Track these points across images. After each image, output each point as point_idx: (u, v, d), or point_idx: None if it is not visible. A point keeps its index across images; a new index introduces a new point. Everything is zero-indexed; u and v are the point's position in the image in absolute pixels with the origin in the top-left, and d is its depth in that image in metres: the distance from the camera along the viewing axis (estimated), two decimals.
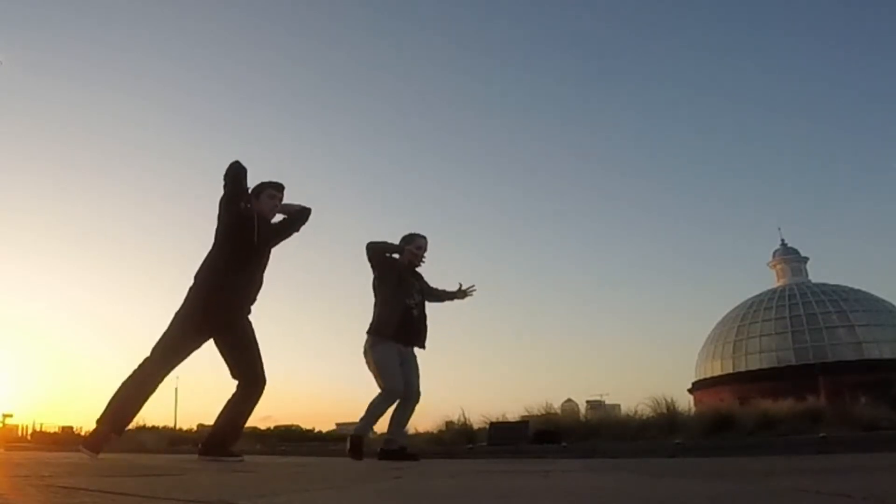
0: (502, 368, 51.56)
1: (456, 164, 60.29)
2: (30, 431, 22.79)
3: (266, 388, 3.76)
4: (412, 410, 4.53)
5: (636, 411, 11.77)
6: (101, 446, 3.47)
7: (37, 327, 47.80)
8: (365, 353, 4.44)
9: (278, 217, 4.00)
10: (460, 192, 60.72)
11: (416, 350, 4.54)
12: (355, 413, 4.37)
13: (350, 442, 4.37)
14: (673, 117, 56.02)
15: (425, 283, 4.69)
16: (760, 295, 28.99)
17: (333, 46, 57.31)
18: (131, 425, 3.77)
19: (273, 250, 3.94)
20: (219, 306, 3.63)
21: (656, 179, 57.59)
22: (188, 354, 3.63)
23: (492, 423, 11.14)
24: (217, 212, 3.83)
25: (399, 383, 4.32)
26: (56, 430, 23.42)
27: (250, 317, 3.83)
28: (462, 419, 12.25)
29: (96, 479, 1.94)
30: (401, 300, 4.43)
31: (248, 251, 3.74)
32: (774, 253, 30.22)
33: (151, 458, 4.60)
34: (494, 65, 59.71)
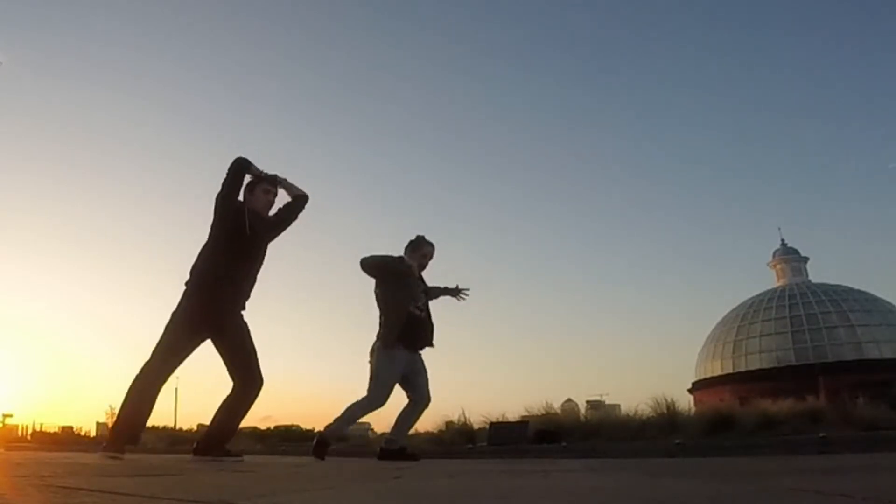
0: (502, 368, 51.61)
1: (456, 164, 60.36)
2: (30, 431, 22.81)
3: (264, 388, 3.76)
4: (420, 414, 4.51)
5: (636, 411, 11.78)
6: (123, 445, 3.50)
7: (37, 327, 47.94)
8: (371, 352, 4.42)
9: (274, 209, 3.99)
10: (460, 191, 60.77)
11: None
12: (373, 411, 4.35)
13: (317, 440, 4.30)
14: (673, 117, 56.07)
15: (425, 284, 4.68)
16: (760, 295, 28.99)
17: (333, 46, 57.35)
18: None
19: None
20: (214, 303, 3.63)
21: (656, 179, 57.62)
22: (187, 355, 3.63)
23: (492, 423, 11.15)
24: (213, 206, 3.83)
25: (384, 398, 4.28)
26: (56, 430, 23.47)
27: (245, 316, 3.83)
28: (462, 419, 12.27)
29: (96, 479, 1.94)
30: (406, 306, 4.37)
31: (242, 246, 3.75)
32: (774, 253, 30.23)
33: (151, 458, 4.60)
34: (495, 65, 59.75)
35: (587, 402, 23.50)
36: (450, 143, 60.56)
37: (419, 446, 7.68)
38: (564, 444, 8.59)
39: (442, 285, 4.73)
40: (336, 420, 4.29)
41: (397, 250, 4.60)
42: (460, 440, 10.99)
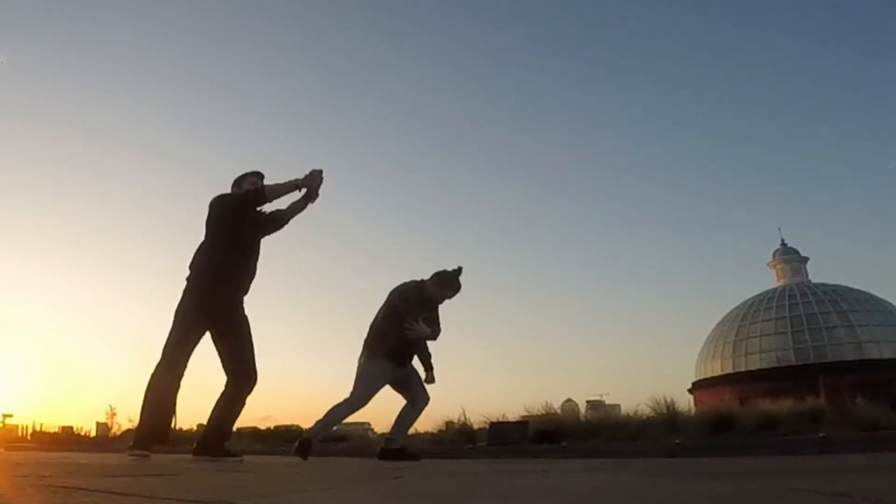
0: (502, 368, 51.56)
1: (456, 164, 60.37)
2: (30, 431, 22.78)
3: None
4: (419, 413, 4.51)
5: (636, 411, 11.77)
6: (150, 445, 3.57)
7: (37, 327, 47.84)
8: (360, 358, 4.42)
9: (271, 206, 4.00)
10: (460, 191, 60.80)
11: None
12: (355, 413, 4.34)
13: (299, 441, 4.22)
14: (673, 117, 56.11)
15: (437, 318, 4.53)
16: (760, 295, 29.00)
17: (333, 46, 57.37)
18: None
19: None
20: (215, 297, 3.67)
21: (656, 179, 57.65)
22: (193, 348, 3.67)
23: (492, 423, 11.14)
24: (209, 207, 3.84)
25: (365, 400, 4.25)
26: (56, 430, 23.43)
27: (245, 310, 3.87)
28: (462, 419, 12.26)
29: (96, 479, 1.94)
30: (404, 336, 4.30)
31: (240, 239, 3.78)
32: (774, 253, 30.24)
33: (151, 458, 4.59)
34: (495, 65, 59.79)
35: (587, 402, 23.53)
36: (450, 143, 60.64)
37: (419, 446, 7.67)
38: (564, 444, 8.58)
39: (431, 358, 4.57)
40: (318, 422, 4.26)
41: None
42: (460, 440, 10.99)
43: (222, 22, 54.91)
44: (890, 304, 26.66)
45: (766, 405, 11.74)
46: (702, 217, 56.03)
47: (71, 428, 24.20)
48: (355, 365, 4.41)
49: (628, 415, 12.32)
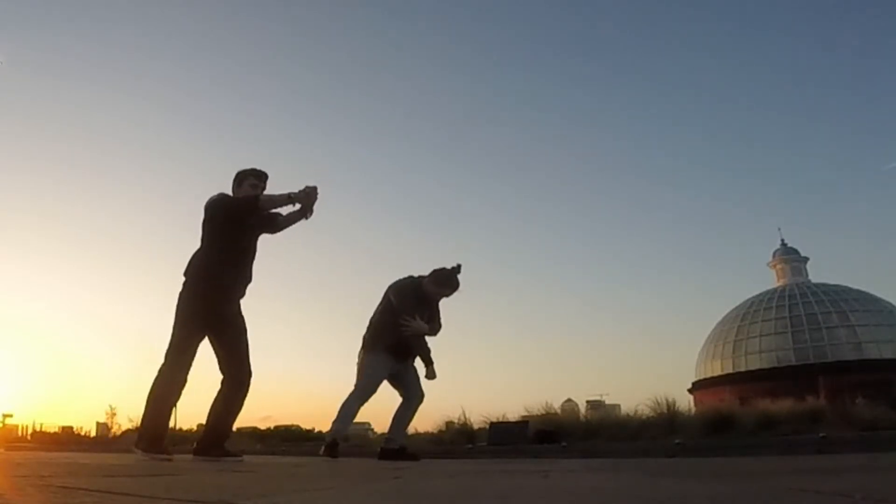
0: (502, 368, 51.44)
1: (456, 164, 60.26)
2: (30, 431, 22.79)
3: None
4: (415, 410, 4.52)
5: (636, 411, 11.81)
6: (156, 446, 3.53)
7: (37, 327, 47.79)
8: (360, 353, 4.46)
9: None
10: (460, 191, 60.69)
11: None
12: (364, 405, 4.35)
13: (326, 445, 4.27)
14: (673, 117, 56.04)
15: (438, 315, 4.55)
16: (760, 295, 28.99)
17: (334, 46, 57.32)
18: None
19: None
20: (212, 301, 3.69)
21: (656, 179, 57.55)
22: (195, 350, 3.69)
23: (492, 423, 11.16)
24: (207, 208, 3.84)
25: (372, 387, 4.29)
26: (56, 430, 23.45)
27: (242, 310, 3.88)
28: (462, 419, 12.29)
29: (96, 479, 1.94)
30: (401, 332, 4.32)
31: (237, 241, 3.78)
32: (774, 253, 30.23)
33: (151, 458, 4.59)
34: (495, 65, 59.76)
35: (587, 402, 23.53)
36: (450, 142, 60.58)
37: (419, 446, 7.68)
38: (564, 444, 8.59)
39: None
40: (335, 421, 4.30)
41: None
42: (460, 440, 11.00)
43: (222, 22, 54.90)
44: (890, 304, 26.66)
45: (766, 405, 11.78)
46: (702, 217, 55.95)
47: (71, 428, 24.24)
48: (356, 362, 4.44)
49: (628, 415, 12.38)
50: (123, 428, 21.35)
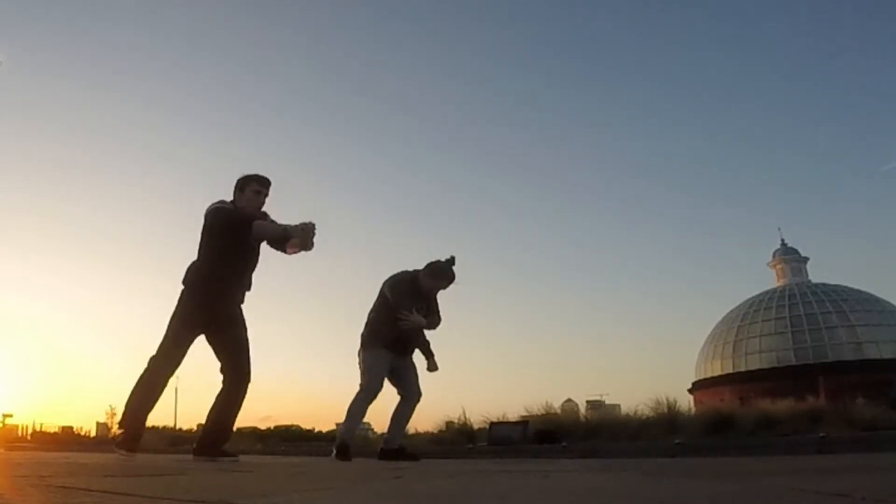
0: (502, 368, 51.44)
1: (456, 164, 60.21)
2: (30, 431, 22.78)
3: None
4: (412, 410, 4.52)
5: (636, 411, 11.81)
6: (134, 444, 3.63)
7: (37, 327, 47.79)
8: (359, 353, 4.44)
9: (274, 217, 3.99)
10: (460, 191, 60.67)
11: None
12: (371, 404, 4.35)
13: (337, 448, 4.26)
14: (673, 117, 55.97)
15: (436, 307, 4.55)
16: (760, 295, 28.98)
17: (334, 46, 57.31)
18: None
19: (274, 250, 3.94)
20: (214, 299, 3.71)
21: (656, 179, 57.54)
22: (187, 349, 3.72)
23: (492, 423, 11.15)
24: (206, 216, 3.82)
25: (378, 384, 4.29)
26: (56, 430, 23.45)
27: (243, 312, 3.89)
28: (462, 419, 12.29)
29: (96, 479, 1.94)
30: (398, 326, 4.31)
31: (236, 246, 3.77)
32: (774, 253, 30.22)
33: (151, 458, 4.61)
34: (495, 64, 59.73)
35: (587, 402, 23.51)
36: (450, 142, 60.52)
37: (419, 446, 7.69)
38: (564, 444, 8.59)
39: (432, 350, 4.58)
40: (344, 423, 4.33)
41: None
42: (460, 440, 11.00)
43: (222, 22, 54.88)
44: (890, 304, 26.65)
45: (766, 405, 11.77)
46: (702, 217, 55.87)
47: (71, 428, 24.25)
48: (356, 362, 4.43)
49: (628, 415, 12.37)
50: None
